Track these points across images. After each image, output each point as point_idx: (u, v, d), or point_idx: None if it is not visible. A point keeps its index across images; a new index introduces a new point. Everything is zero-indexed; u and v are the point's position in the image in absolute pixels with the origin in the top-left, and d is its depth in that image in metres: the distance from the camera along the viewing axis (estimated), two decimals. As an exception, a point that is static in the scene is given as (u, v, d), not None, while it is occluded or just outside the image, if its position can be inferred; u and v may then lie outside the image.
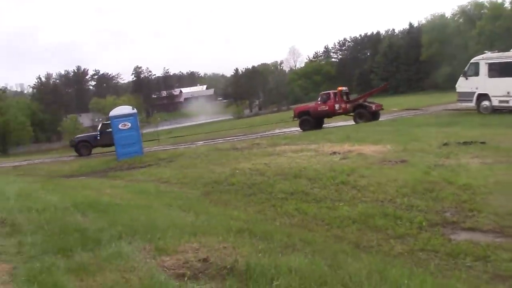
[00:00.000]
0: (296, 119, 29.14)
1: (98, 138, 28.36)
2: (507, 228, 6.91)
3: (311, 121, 27.73)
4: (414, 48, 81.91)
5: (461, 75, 24.11)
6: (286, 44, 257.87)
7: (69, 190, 13.16)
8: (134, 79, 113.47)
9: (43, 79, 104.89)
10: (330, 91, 28.99)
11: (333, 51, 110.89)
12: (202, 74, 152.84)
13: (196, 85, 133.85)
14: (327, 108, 27.76)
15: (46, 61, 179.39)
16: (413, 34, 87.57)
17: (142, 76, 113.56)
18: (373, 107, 27.13)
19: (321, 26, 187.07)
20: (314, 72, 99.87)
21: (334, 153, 14.01)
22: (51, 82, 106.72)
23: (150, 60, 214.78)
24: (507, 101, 22.02)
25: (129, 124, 22.51)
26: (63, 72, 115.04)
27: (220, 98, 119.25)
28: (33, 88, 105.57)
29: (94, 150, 29.06)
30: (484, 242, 6.52)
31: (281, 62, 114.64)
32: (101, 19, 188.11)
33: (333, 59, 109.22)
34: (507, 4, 68.75)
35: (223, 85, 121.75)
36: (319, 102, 28.43)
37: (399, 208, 8.25)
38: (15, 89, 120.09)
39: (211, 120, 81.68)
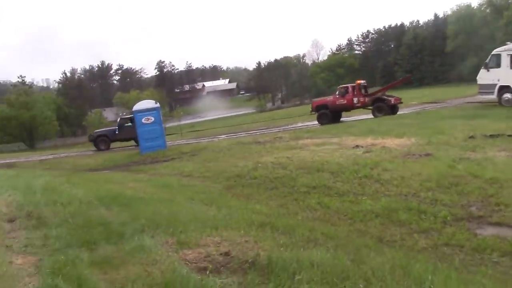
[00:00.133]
0: (314, 113, 28.97)
1: (117, 132, 28.70)
2: (536, 223, 6.71)
3: (329, 115, 27.55)
4: (439, 39, 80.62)
5: (483, 67, 23.50)
6: (309, 37, 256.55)
7: (93, 183, 13.35)
8: (157, 73, 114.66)
9: (68, 74, 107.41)
10: (348, 85, 28.77)
11: (356, 43, 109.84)
12: (224, 68, 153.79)
13: (219, 79, 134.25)
14: (345, 102, 27.52)
15: (71, 56, 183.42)
16: (438, 25, 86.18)
17: (165, 70, 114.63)
18: (392, 100, 26.69)
19: (344, 18, 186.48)
20: (337, 64, 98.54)
21: (357, 146, 13.81)
22: (76, 77, 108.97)
23: (173, 55, 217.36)
24: None
25: (152, 118, 22.71)
26: (87, 67, 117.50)
27: (243, 92, 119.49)
28: (58, 83, 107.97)
29: (115, 144, 29.41)
30: (511, 237, 6.34)
31: (304, 55, 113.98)
32: (124, 15, 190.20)
33: (356, 52, 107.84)
34: (535, -7, 66.93)
35: (245, 78, 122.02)
36: (337, 96, 28.23)
37: (423, 202, 8.08)
38: (41, 85, 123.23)
39: (233, 114, 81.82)
